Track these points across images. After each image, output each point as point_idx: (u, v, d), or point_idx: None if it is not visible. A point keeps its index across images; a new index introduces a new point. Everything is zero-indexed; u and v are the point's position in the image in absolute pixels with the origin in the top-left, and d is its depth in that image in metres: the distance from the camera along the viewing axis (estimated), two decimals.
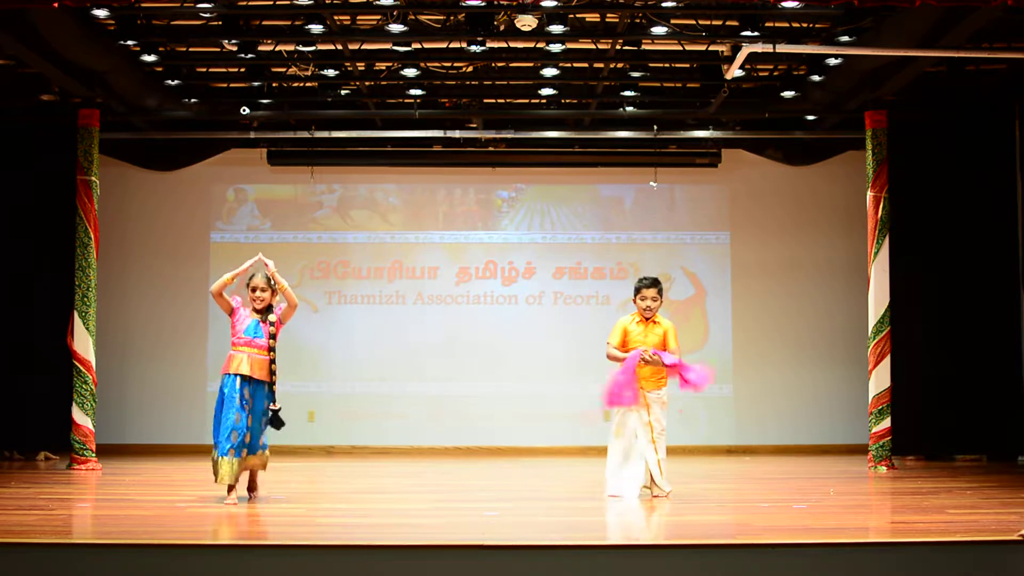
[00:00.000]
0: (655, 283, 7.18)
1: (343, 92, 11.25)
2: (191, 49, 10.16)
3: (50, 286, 10.08)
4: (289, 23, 9.39)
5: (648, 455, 7.04)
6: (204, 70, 10.97)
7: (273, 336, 6.80)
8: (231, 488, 6.68)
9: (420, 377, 12.37)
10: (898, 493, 7.71)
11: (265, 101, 11.19)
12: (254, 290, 6.81)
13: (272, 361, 6.78)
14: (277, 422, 6.78)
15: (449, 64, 10.48)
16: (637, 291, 7.21)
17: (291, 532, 5.63)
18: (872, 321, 9.78)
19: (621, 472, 7.09)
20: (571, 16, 9.17)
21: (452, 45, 9.81)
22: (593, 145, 12.43)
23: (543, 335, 12.49)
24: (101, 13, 8.72)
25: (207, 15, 9.11)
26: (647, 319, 7.17)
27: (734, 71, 9.55)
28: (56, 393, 9.82)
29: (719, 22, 9.35)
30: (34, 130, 10.33)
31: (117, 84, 10.03)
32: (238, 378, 6.69)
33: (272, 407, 6.77)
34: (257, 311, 6.83)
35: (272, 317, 6.82)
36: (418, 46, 9.90)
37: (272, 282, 6.85)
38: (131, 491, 7.90)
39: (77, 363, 9.69)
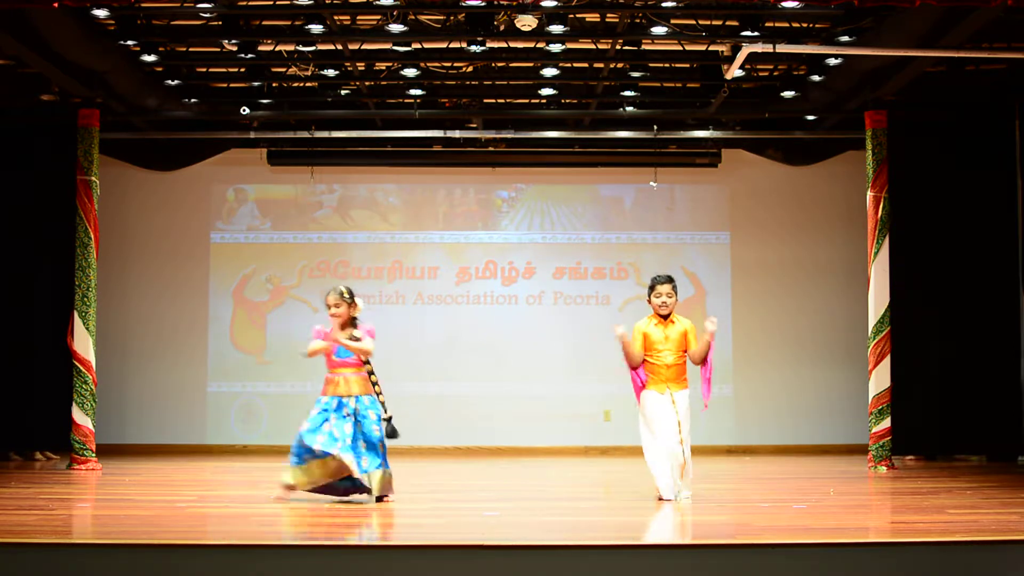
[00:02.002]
0: (669, 279, 7.03)
1: (343, 92, 11.25)
2: (191, 49, 10.16)
3: (50, 286, 10.07)
4: (289, 23, 9.39)
5: (676, 454, 6.99)
6: (204, 70, 10.97)
7: None
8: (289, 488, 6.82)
9: (420, 377, 12.36)
10: (898, 493, 7.70)
11: (265, 101, 11.19)
12: (328, 307, 6.91)
13: (371, 372, 6.95)
14: (392, 432, 6.90)
15: (449, 64, 10.48)
16: (651, 288, 7.04)
17: (291, 532, 5.63)
18: (872, 321, 9.77)
19: (664, 470, 6.94)
20: (571, 16, 9.16)
21: (452, 45, 9.81)
22: (593, 145, 12.42)
23: (543, 335, 12.48)
24: (101, 13, 8.72)
25: (207, 15, 9.12)
26: (664, 317, 7.00)
27: (734, 71, 9.54)
28: (56, 393, 9.81)
29: (719, 22, 9.35)
30: (34, 130, 10.32)
31: (117, 84, 10.03)
32: (334, 399, 6.86)
33: (384, 416, 6.91)
34: (341, 329, 6.89)
35: (358, 333, 6.88)
36: (418, 46, 9.90)
37: (345, 295, 6.88)
38: (131, 491, 7.89)
39: (77, 363, 9.69)
